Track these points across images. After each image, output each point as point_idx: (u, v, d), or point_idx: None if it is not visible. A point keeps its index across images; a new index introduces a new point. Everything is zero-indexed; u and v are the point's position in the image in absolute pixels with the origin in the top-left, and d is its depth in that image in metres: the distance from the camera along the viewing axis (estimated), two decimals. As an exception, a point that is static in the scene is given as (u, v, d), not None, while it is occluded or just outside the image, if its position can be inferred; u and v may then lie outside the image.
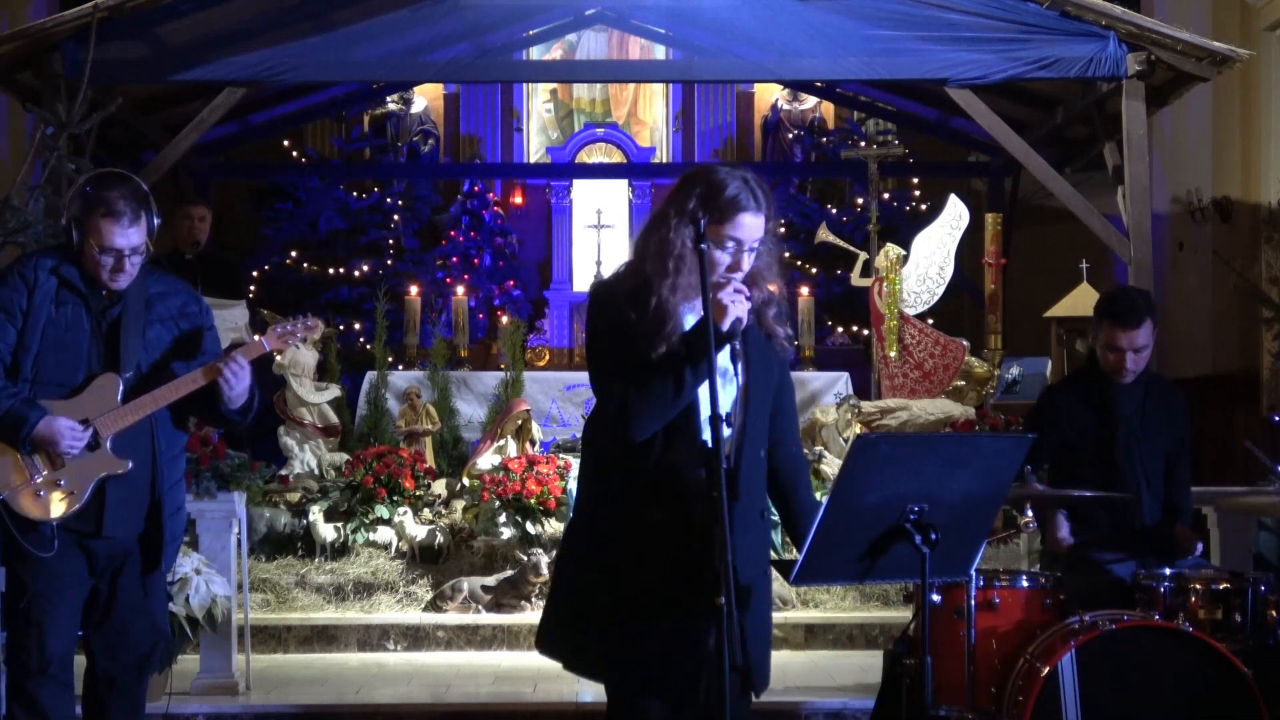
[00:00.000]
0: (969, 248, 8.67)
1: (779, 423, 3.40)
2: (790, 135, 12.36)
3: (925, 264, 8.23)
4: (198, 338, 4.12)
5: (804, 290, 9.54)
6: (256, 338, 4.17)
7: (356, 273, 11.76)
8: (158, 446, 4.02)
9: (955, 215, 8.22)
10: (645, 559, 3.17)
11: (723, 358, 3.25)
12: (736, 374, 3.30)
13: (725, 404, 3.24)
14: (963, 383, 8.04)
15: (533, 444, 8.01)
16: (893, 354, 8.01)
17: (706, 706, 3.14)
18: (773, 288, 3.35)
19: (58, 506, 3.91)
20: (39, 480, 3.90)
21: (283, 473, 7.71)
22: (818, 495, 3.43)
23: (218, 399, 3.99)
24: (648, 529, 3.17)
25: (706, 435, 3.16)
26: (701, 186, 3.24)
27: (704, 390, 3.15)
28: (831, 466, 7.37)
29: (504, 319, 10.68)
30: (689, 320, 3.21)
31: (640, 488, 3.19)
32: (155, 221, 4.05)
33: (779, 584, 6.10)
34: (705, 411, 3.16)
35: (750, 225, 3.21)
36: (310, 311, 4.38)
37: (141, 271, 4.03)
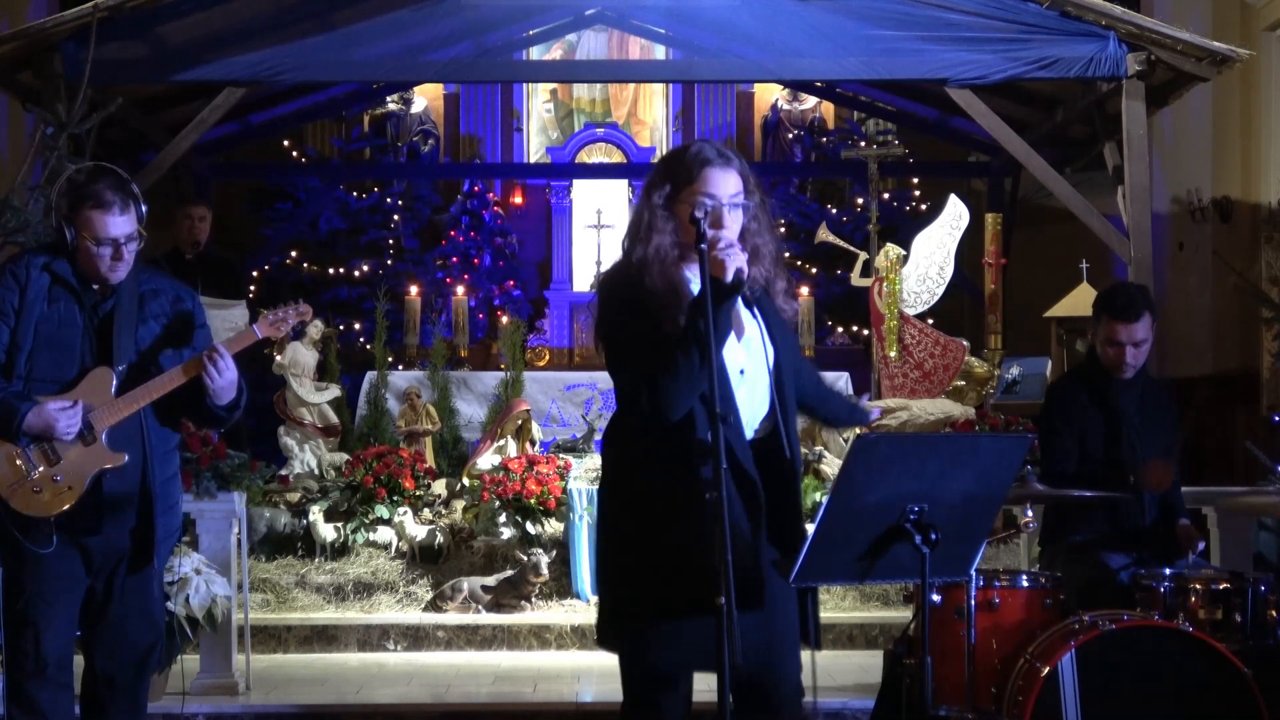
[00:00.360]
0: (969, 248, 8.66)
1: (791, 357, 3.50)
2: (790, 135, 12.36)
3: (925, 264, 8.23)
4: (189, 332, 4.11)
5: (804, 290, 9.54)
6: (251, 326, 4.17)
7: (356, 273, 11.76)
8: (148, 442, 4.01)
9: (955, 215, 8.22)
10: (708, 541, 3.10)
11: (750, 325, 3.33)
12: (764, 339, 3.35)
13: (762, 369, 3.34)
14: (963, 383, 8.04)
15: (533, 444, 8.01)
16: (893, 354, 8.02)
17: (769, 681, 3.27)
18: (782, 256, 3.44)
19: (56, 502, 3.90)
20: (35, 476, 3.90)
21: (283, 473, 7.71)
22: (818, 496, 3.45)
23: (204, 394, 3.98)
24: (707, 509, 3.14)
25: (746, 427, 3.28)
26: (665, 159, 3.40)
27: (744, 381, 3.27)
28: (831, 466, 7.36)
29: (504, 319, 10.68)
30: (694, 288, 3.27)
31: (691, 470, 3.19)
32: (143, 209, 4.05)
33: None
34: (744, 404, 3.25)
35: (720, 179, 3.28)
36: (309, 311, 4.37)
37: (133, 268, 4.03)
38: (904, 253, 8.22)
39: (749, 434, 3.32)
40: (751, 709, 3.30)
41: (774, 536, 3.28)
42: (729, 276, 3.16)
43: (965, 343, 8.07)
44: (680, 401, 3.18)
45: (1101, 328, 4.81)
